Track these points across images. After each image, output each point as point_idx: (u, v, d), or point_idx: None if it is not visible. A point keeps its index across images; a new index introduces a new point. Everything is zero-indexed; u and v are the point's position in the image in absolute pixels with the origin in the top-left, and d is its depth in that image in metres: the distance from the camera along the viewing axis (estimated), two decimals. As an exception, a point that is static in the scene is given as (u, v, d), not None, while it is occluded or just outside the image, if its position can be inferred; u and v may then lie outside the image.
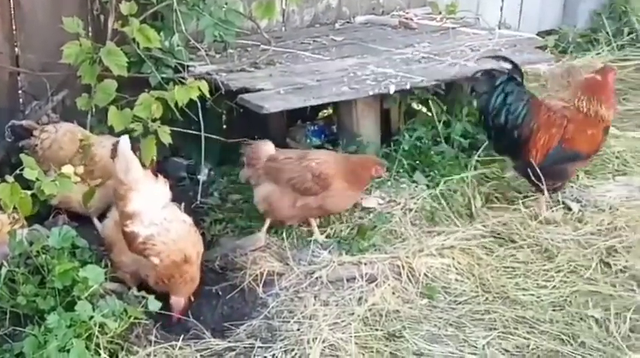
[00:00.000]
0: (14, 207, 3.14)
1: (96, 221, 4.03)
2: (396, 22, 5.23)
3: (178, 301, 3.53)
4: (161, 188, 3.57)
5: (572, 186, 4.53)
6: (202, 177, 4.42)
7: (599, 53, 6.27)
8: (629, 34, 6.44)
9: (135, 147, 3.57)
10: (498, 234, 4.15)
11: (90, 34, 4.29)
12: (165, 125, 3.87)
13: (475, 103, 4.47)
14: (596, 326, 3.52)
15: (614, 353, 3.35)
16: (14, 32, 4.27)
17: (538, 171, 4.18)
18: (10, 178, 3.11)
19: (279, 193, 3.93)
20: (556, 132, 4.19)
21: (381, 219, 4.13)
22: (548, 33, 6.51)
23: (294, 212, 3.96)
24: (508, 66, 4.24)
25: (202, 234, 4.09)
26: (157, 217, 3.47)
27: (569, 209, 4.37)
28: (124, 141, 3.45)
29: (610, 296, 3.71)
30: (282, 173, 3.93)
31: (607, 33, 6.43)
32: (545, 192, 4.26)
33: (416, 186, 4.35)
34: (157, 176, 3.58)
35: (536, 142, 4.18)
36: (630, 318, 3.53)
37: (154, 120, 3.77)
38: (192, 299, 3.60)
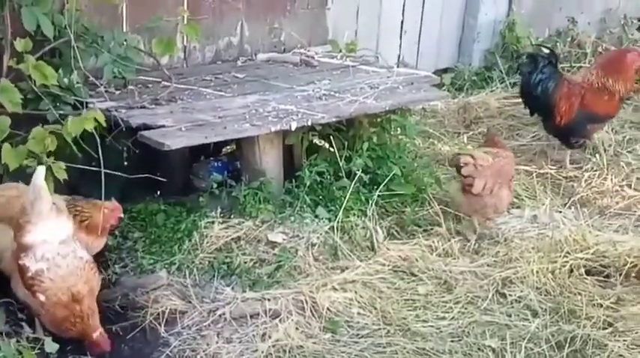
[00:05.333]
0: None
1: None
2: (298, 60, 5.31)
3: (100, 335, 3.44)
4: (63, 222, 3.51)
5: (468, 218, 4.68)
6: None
7: (492, 90, 6.50)
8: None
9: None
10: (399, 267, 4.24)
11: (-16, 70, 4.18)
12: (64, 162, 3.80)
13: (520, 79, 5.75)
14: (493, 355, 3.62)
15: (511, 382, 3.46)
16: None
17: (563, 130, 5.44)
18: None
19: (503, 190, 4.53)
20: (575, 101, 5.35)
21: (285, 254, 4.16)
22: (445, 71, 6.73)
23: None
24: (547, 51, 5.66)
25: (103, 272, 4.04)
26: (50, 252, 3.41)
27: (467, 240, 4.51)
28: (40, 171, 3.40)
29: (506, 326, 3.82)
30: (504, 169, 4.57)
31: (500, 71, 6.68)
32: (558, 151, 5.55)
33: (318, 221, 4.40)
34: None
35: (559, 109, 5.34)
36: (525, 347, 3.64)
37: (48, 156, 3.71)
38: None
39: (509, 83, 6.58)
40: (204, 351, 3.51)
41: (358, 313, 3.87)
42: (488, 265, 4.27)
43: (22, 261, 3.39)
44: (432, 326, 3.82)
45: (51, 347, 3.24)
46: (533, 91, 5.45)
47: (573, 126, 5.38)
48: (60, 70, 4.02)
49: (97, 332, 3.43)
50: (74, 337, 3.43)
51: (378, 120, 4.91)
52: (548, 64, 5.45)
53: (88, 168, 4.05)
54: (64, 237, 3.48)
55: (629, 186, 5.19)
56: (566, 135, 5.46)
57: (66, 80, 4.06)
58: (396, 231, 4.56)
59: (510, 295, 4.03)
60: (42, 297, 3.37)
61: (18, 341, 3.40)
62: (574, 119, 5.35)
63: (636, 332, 3.74)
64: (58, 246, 3.44)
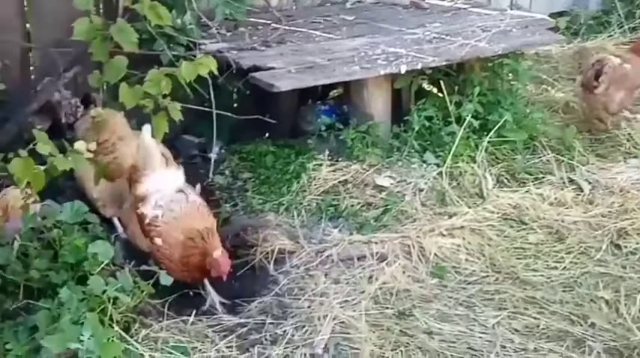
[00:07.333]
0: (27, 182, 3.14)
1: (116, 221, 4.00)
2: (407, 2, 5.21)
3: (222, 254, 3.42)
4: (173, 172, 3.63)
5: (583, 167, 4.53)
6: (213, 155, 4.42)
7: (610, 35, 6.23)
8: (640, 16, 6.41)
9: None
10: (509, 215, 4.15)
11: (101, 10, 4.27)
12: (177, 102, 3.86)
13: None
14: (606, 307, 3.51)
15: (624, 334, 3.34)
16: (25, 8, 4.26)
17: None
18: (24, 153, 3.10)
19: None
20: None
21: (392, 198, 4.14)
22: (560, 14, 6.47)
23: None
24: None
25: (216, 214, 4.10)
26: (162, 199, 3.53)
27: (581, 190, 4.37)
28: (146, 130, 3.52)
29: (620, 278, 3.71)
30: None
31: (619, 15, 6.39)
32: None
33: (426, 166, 4.35)
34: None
35: None
36: (640, 300, 3.53)
37: (164, 97, 3.77)
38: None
39: (628, 28, 6.28)
40: (312, 290, 3.54)
41: (466, 259, 3.82)
42: (602, 216, 4.13)
43: (139, 210, 3.55)
44: (542, 275, 3.73)
45: (166, 279, 3.32)
46: None
47: None
48: (173, 11, 4.05)
49: (219, 251, 3.43)
50: (195, 275, 3.49)
51: (490, 64, 4.78)
52: None
53: (200, 108, 4.11)
54: (176, 185, 3.59)
55: None
56: None
57: (179, 21, 4.11)
58: (506, 178, 4.46)
59: (625, 247, 3.90)
60: (158, 241, 3.48)
61: (134, 275, 3.51)
62: None
63: None
64: (171, 193, 3.55)
